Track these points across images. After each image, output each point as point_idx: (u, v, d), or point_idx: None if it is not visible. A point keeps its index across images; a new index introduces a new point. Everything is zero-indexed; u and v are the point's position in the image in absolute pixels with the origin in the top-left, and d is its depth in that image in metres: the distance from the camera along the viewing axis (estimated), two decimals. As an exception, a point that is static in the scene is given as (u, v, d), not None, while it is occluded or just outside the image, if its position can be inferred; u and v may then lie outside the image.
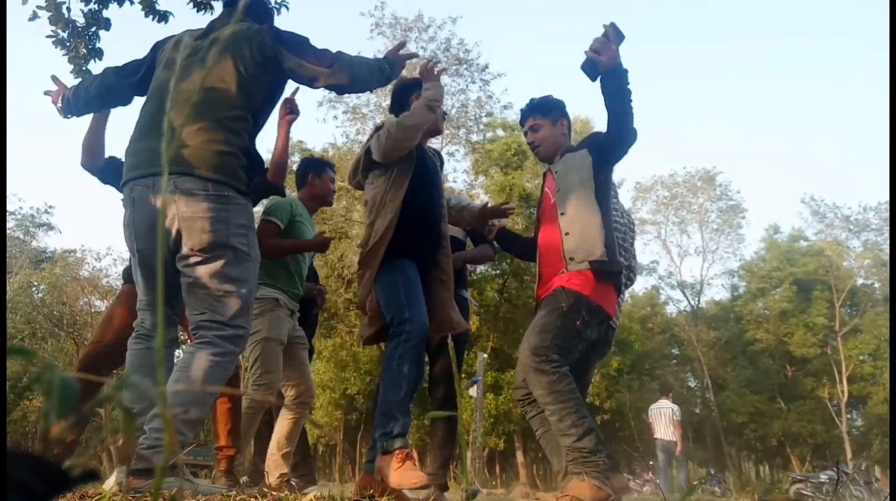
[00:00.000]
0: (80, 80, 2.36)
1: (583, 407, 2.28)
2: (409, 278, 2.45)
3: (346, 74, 2.17)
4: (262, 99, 2.14)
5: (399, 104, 2.82)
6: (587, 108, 58.67)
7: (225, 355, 1.91)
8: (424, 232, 2.58)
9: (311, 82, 2.19)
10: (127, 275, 3.12)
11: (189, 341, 2.13)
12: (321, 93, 19.16)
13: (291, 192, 4.29)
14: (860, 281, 28.11)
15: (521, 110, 2.83)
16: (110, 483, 1.83)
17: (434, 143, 17.09)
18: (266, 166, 2.46)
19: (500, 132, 20.73)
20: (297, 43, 2.16)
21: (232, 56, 2.06)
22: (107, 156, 2.70)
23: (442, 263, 2.62)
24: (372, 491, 2.24)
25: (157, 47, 2.27)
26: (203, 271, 1.90)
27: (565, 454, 2.30)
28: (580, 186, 2.52)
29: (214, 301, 1.91)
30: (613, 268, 2.44)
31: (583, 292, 2.40)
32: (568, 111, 2.80)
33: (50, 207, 27.07)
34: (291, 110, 3.03)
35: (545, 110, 2.73)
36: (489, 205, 3.07)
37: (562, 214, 2.51)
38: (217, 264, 1.91)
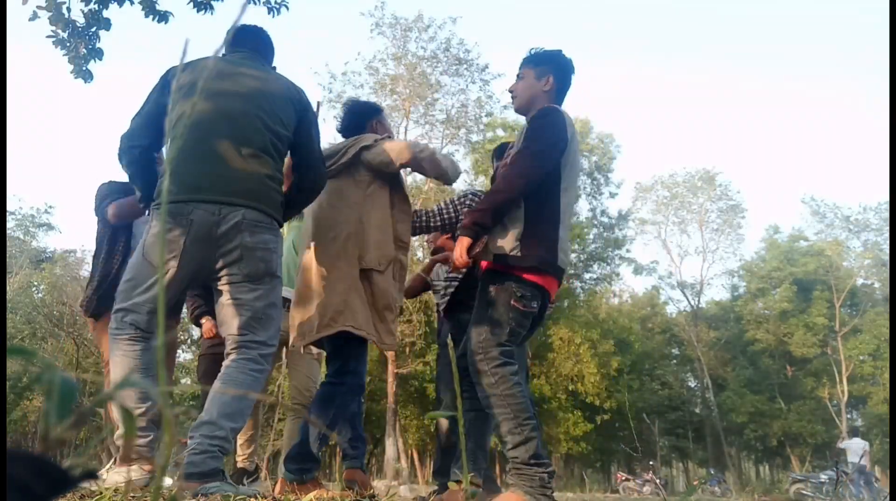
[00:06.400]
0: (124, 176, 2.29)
1: (523, 413, 2.10)
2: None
3: (318, 188, 2.40)
4: (288, 147, 2.30)
5: (356, 127, 2.77)
6: (587, 108, 58.74)
7: (263, 372, 2.13)
8: None
9: (309, 161, 2.34)
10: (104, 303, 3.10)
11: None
12: (321, 92, 19.17)
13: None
14: (860, 281, 28.12)
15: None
16: (116, 480, 1.85)
17: (434, 143, 16.94)
18: None
19: (500, 132, 20.72)
20: (315, 130, 2.41)
21: (289, 103, 2.26)
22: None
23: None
24: (372, 491, 2.35)
25: (171, 75, 2.26)
26: (252, 296, 2.11)
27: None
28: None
29: (256, 323, 2.11)
30: (522, 265, 2.20)
31: (508, 271, 2.22)
32: (566, 70, 2.48)
33: (50, 207, 27.07)
34: None
35: (535, 62, 2.47)
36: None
37: None
38: (265, 290, 2.12)
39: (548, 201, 2.26)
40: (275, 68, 2.45)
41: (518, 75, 2.51)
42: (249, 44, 2.38)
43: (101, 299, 3.15)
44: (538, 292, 2.23)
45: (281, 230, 2.24)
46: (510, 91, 2.53)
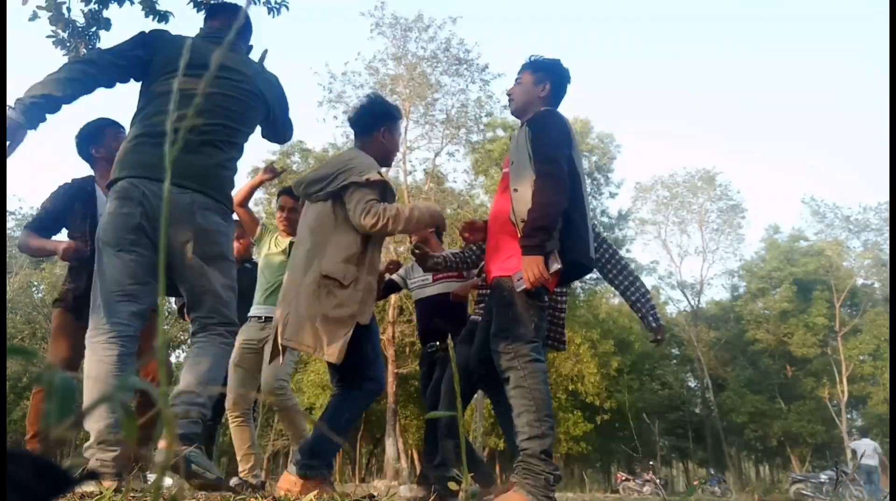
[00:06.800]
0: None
1: (545, 410, 2.16)
2: (376, 333, 2.59)
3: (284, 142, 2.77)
4: (246, 141, 2.43)
5: (365, 126, 2.72)
6: (587, 108, 58.75)
7: (230, 344, 2.27)
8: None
9: (277, 138, 2.67)
10: (68, 304, 3.01)
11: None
12: (322, 93, 19.17)
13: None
14: (860, 281, 28.12)
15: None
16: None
17: (434, 143, 16.71)
18: None
19: (500, 132, 20.73)
20: (286, 108, 2.59)
21: (257, 99, 2.37)
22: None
23: None
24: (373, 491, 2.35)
25: (157, 42, 2.29)
26: (212, 277, 2.17)
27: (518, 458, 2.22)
28: (523, 159, 2.40)
29: (218, 303, 2.20)
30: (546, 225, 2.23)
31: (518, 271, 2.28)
32: (562, 78, 2.59)
33: (50, 207, 26.98)
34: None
35: (535, 68, 2.58)
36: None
37: (515, 190, 2.40)
38: (220, 271, 2.20)
39: (571, 196, 2.31)
40: (251, 48, 2.54)
41: (517, 79, 2.61)
42: (230, 24, 2.45)
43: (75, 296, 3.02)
44: (544, 291, 2.31)
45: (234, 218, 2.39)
46: (508, 94, 2.63)
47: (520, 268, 2.24)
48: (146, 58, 2.25)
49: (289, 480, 2.36)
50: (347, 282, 2.43)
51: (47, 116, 2.04)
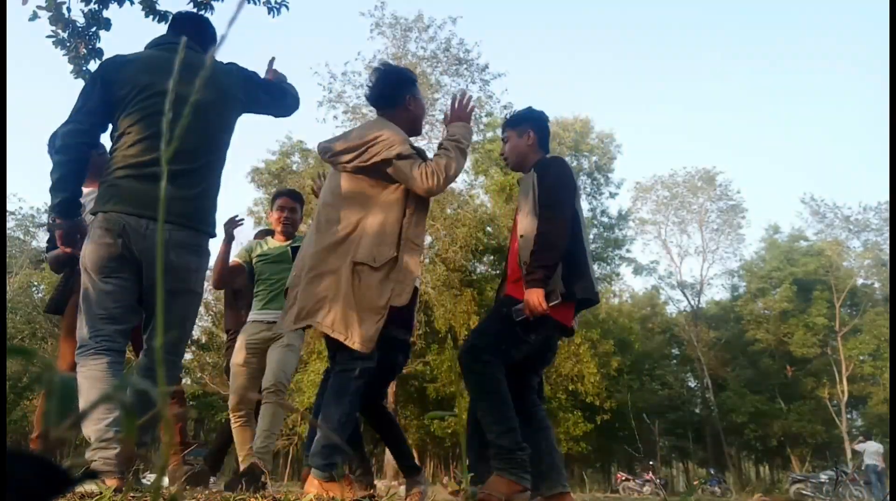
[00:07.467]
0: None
1: (506, 407, 2.36)
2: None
3: (294, 100, 2.66)
4: (230, 142, 2.47)
5: (389, 98, 2.57)
6: (587, 108, 58.75)
7: (179, 368, 2.45)
8: None
9: (276, 113, 2.65)
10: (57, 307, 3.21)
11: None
12: (322, 92, 19.18)
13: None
14: (860, 281, 28.12)
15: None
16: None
17: (434, 142, 17.05)
18: None
19: (500, 132, 20.73)
20: (265, 86, 2.56)
21: (226, 98, 2.38)
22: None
23: None
24: (371, 491, 2.35)
25: (111, 71, 2.29)
26: (174, 310, 2.27)
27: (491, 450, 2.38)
28: (528, 203, 2.57)
29: (172, 334, 2.27)
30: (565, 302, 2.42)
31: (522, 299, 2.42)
32: (541, 121, 2.76)
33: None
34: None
35: (514, 123, 2.79)
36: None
37: (521, 236, 2.56)
38: (184, 303, 2.29)
39: (574, 239, 2.50)
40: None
41: (503, 139, 2.83)
42: (193, 35, 2.40)
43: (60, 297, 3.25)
44: (545, 324, 2.43)
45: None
46: (502, 154, 2.84)
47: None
48: (109, 93, 2.27)
49: (315, 485, 2.18)
50: (379, 264, 2.31)
51: (76, 208, 2.29)
